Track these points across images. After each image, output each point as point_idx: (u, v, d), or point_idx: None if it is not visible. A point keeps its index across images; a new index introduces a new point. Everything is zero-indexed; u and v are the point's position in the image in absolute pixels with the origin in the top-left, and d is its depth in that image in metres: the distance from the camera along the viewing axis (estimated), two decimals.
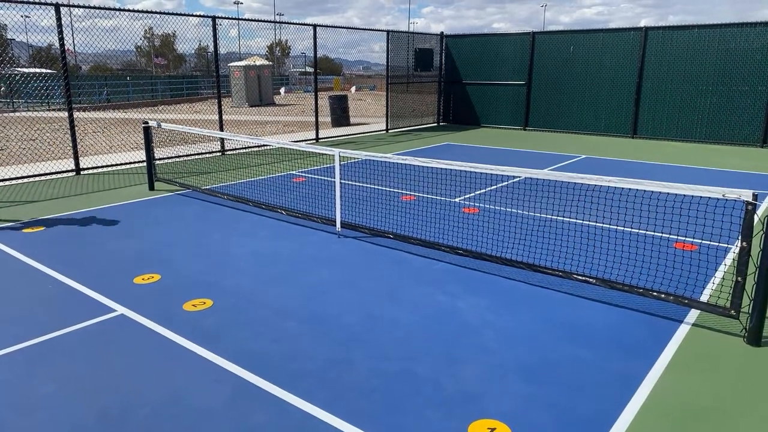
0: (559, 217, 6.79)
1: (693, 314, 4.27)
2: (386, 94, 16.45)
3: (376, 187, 8.55)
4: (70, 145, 9.80)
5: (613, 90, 15.13)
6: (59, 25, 9.22)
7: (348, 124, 18.12)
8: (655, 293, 4.26)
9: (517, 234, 6.04)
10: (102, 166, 10.35)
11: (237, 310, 4.37)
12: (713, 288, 4.71)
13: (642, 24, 16.98)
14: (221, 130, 11.83)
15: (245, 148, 12.70)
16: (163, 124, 8.44)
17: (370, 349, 3.76)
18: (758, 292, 3.71)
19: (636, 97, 14.75)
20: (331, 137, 14.88)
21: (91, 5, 9.93)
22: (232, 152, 12.35)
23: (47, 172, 9.70)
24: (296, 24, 14.58)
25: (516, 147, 13.35)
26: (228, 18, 12.83)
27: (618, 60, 14.94)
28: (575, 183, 4.84)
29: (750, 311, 3.80)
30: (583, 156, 11.98)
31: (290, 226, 6.64)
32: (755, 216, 3.84)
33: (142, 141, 8.56)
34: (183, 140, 12.95)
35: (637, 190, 4.40)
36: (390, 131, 16.40)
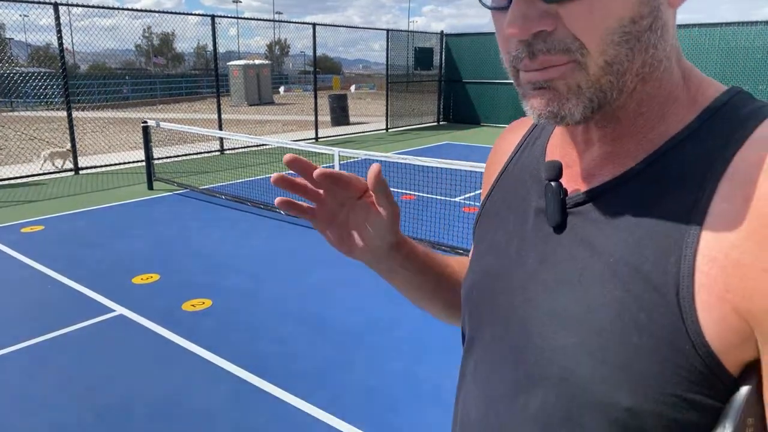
0: None
1: None
2: (386, 93, 16.42)
3: None
4: (69, 144, 9.78)
5: None
6: (58, 24, 9.20)
7: (347, 123, 18.10)
8: None
9: None
10: (101, 166, 10.34)
11: (236, 310, 4.36)
12: None
13: None
14: (220, 129, 11.82)
15: (244, 147, 12.68)
16: (162, 124, 8.42)
17: (370, 349, 3.75)
18: None
19: None
20: (331, 136, 14.86)
21: (90, 4, 9.91)
22: (231, 152, 12.33)
23: (46, 171, 9.68)
24: (295, 23, 14.58)
25: None
26: (227, 17, 12.82)
27: None
28: None
29: None
30: None
31: (289, 225, 6.63)
32: None
33: (141, 140, 8.54)
34: (182, 139, 12.93)
35: None
36: (390, 130, 16.38)
